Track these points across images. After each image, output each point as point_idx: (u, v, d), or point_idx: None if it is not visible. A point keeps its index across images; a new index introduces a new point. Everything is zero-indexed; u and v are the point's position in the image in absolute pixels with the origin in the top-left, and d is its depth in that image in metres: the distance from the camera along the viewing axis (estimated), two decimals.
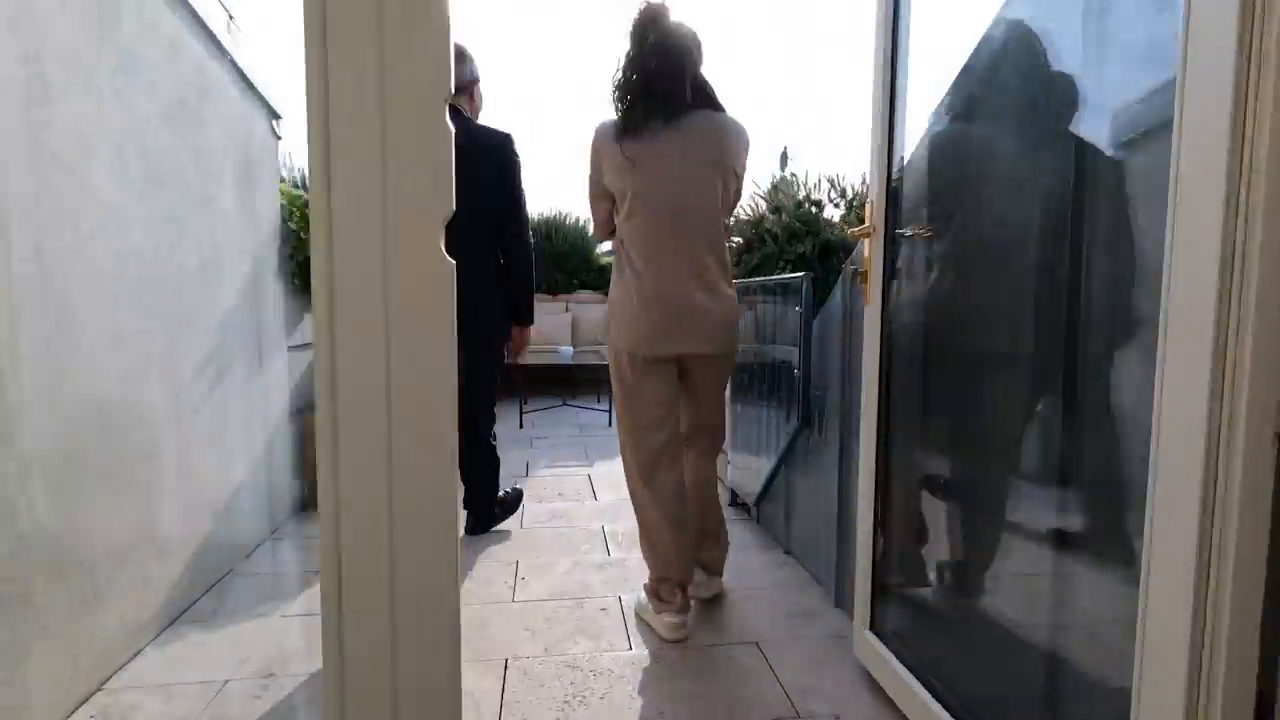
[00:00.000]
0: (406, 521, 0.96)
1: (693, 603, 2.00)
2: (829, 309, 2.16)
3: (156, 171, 1.94)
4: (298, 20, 0.90)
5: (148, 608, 1.86)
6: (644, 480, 1.94)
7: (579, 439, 4.67)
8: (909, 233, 1.54)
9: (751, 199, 3.30)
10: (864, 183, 3.14)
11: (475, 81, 2.51)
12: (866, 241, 1.58)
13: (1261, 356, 0.73)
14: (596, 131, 1.88)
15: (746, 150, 1.92)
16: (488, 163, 2.41)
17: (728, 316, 1.89)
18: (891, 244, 1.57)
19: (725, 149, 1.85)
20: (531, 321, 2.66)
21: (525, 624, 2.03)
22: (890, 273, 1.58)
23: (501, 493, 2.86)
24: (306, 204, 3.18)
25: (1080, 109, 1.14)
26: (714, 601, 2.17)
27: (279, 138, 2.85)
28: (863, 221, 1.60)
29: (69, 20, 1.57)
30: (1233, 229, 0.73)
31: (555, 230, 7.30)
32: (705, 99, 1.85)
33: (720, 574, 2.19)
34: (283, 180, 3.04)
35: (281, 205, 2.88)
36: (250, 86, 2.56)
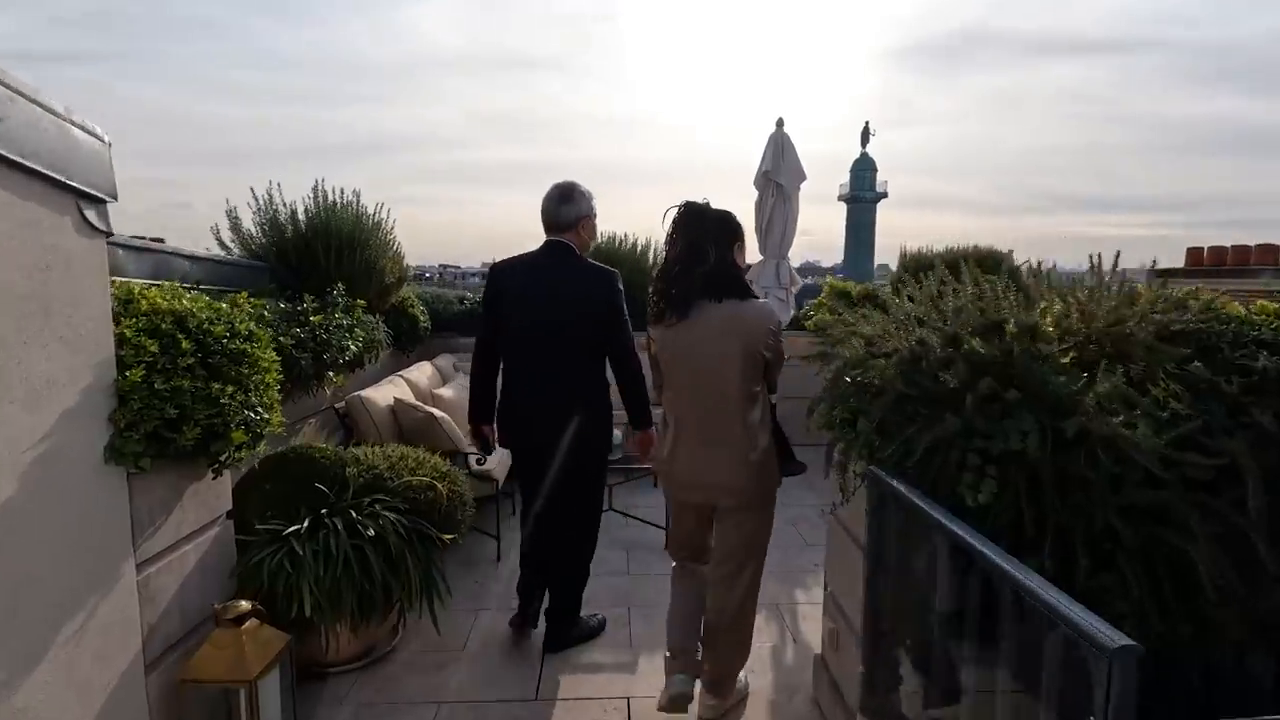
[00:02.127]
0: None
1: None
2: None
3: None
4: None
5: None
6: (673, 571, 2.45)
7: (622, 582, 3.45)
8: None
9: (905, 305, 1.97)
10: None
11: (582, 219, 2.62)
12: None
13: None
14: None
15: (775, 329, 2.18)
16: (592, 297, 2.57)
17: (741, 480, 2.17)
18: None
19: (744, 337, 2.11)
20: (646, 426, 2.71)
21: None
22: None
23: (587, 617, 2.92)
24: (180, 320, 2.09)
25: None
26: None
27: (105, 233, 1.72)
28: None
29: None
30: None
31: (608, 259, 6.05)
32: (731, 289, 2.13)
33: (726, 696, 2.31)
34: (126, 288, 1.92)
35: (122, 339, 1.77)
36: (20, 168, 1.43)
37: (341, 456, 2.67)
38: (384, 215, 4.67)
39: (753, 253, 5.65)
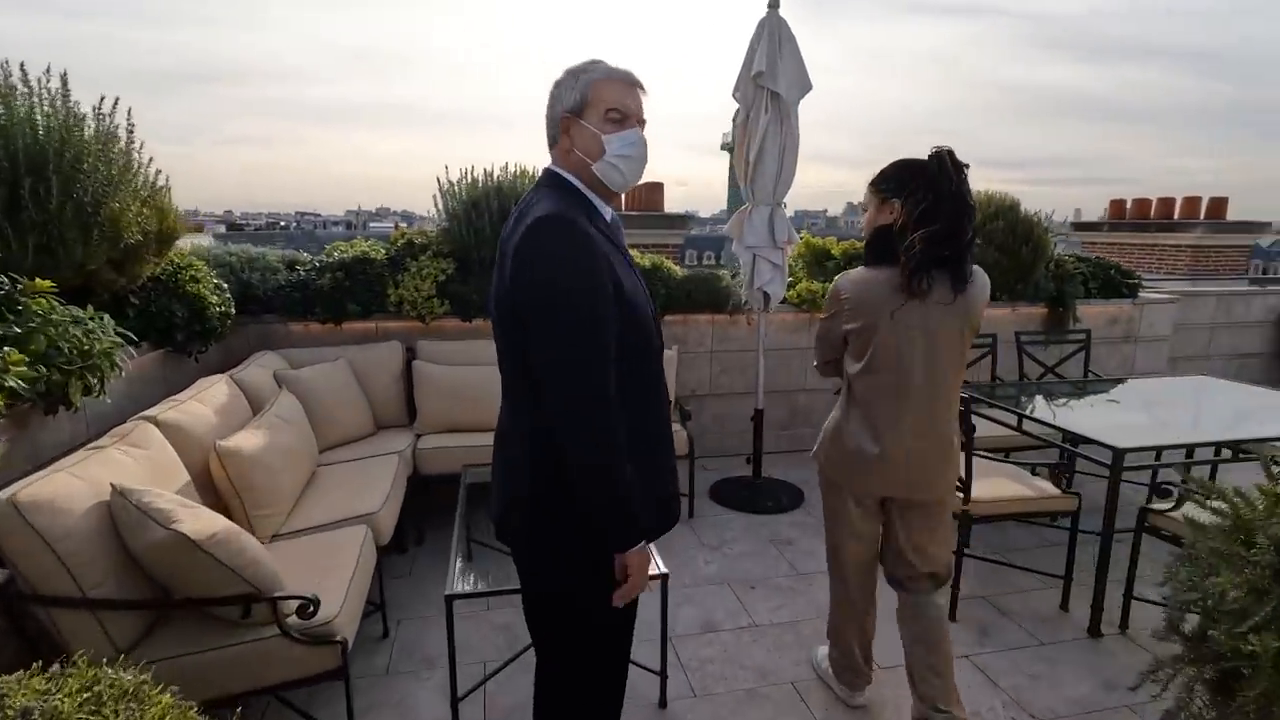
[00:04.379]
0: None
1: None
2: None
3: None
4: None
5: None
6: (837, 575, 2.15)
7: None
8: None
9: None
10: None
11: (562, 120, 1.37)
12: None
13: None
14: (853, 280, 1.88)
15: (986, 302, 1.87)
16: (503, 272, 1.33)
17: (952, 470, 1.93)
18: None
19: (972, 311, 1.83)
20: (623, 547, 1.31)
21: None
22: None
23: None
24: None
25: None
26: None
27: None
28: None
29: None
30: None
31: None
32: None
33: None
34: None
35: None
36: None
37: None
38: (120, 121, 2.62)
39: (716, 198, 4.06)
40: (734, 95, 3.60)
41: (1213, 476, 3.62)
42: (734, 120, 3.63)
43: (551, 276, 1.23)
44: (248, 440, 2.39)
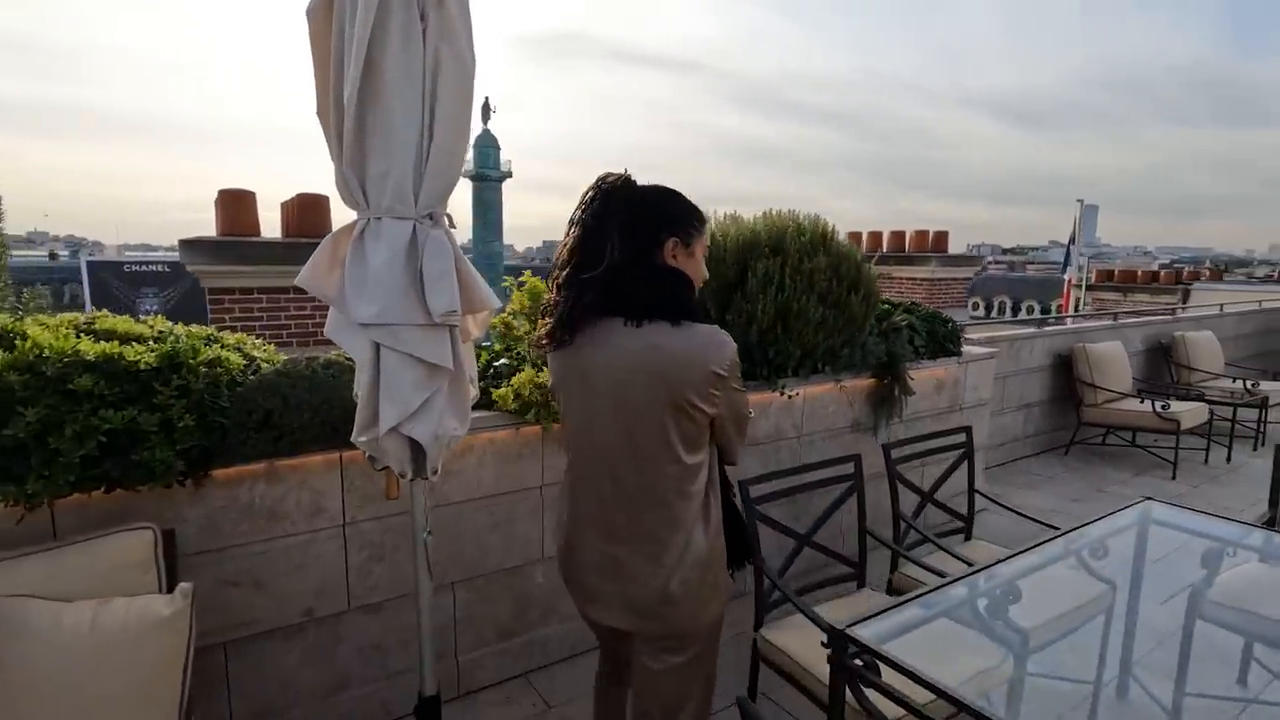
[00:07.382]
0: None
1: None
2: None
3: None
4: None
5: None
6: None
7: None
8: None
9: None
10: None
11: None
12: None
13: None
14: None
15: (723, 370, 1.35)
16: None
17: (658, 597, 1.40)
18: None
19: (670, 382, 1.34)
20: None
21: None
22: None
23: None
24: None
25: None
26: None
27: None
28: None
29: None
30: None
31: None
32: (661, 307, 1.36)
33: None
34: None
35: None
36: None
37: None
38: None
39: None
40: None
41: None
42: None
43: None
44: None
